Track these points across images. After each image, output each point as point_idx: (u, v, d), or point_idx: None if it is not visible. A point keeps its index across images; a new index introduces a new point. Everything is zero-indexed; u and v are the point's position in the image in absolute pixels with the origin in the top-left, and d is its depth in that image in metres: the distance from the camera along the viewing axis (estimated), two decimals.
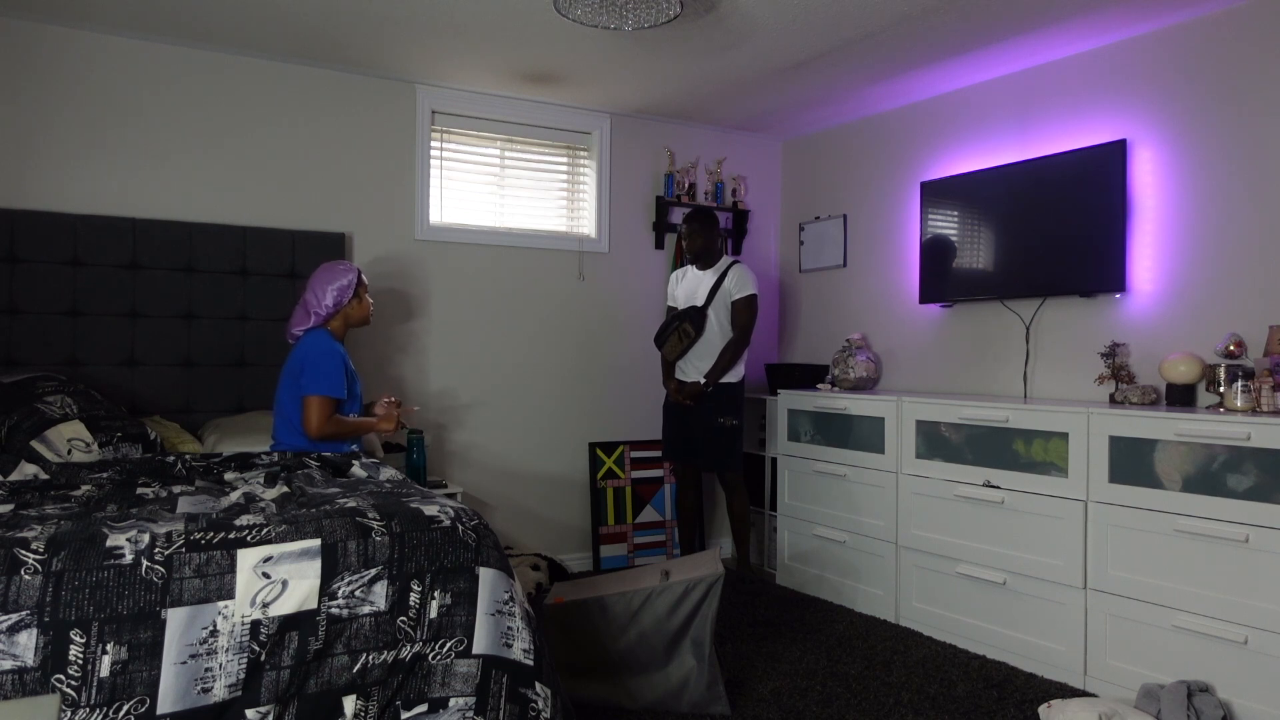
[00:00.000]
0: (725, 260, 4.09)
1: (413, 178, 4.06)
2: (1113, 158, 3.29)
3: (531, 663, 2.00)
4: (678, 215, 4.68)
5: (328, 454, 2.86)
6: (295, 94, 3.81)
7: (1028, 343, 3.68)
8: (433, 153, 4.13)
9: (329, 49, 3.63)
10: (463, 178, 4.23)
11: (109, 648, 1.68)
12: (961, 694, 2.82)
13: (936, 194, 3.99)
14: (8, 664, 1.62)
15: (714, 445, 3.98)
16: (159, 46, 3.54)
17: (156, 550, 1.77)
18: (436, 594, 1.95)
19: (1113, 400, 3.15)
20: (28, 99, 3.33)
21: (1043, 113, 3.66)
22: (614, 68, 3.82)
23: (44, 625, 1.65)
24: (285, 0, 3.13)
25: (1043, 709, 2.57)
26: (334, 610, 1.85)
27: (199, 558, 1.79)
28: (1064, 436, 3.00)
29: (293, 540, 1.87)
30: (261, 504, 2.13)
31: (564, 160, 4.49)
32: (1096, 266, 3.34)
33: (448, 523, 2.04)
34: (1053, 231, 3.49)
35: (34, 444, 2.73)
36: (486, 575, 2.01)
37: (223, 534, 1.85)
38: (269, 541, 1.86)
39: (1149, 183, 3.27)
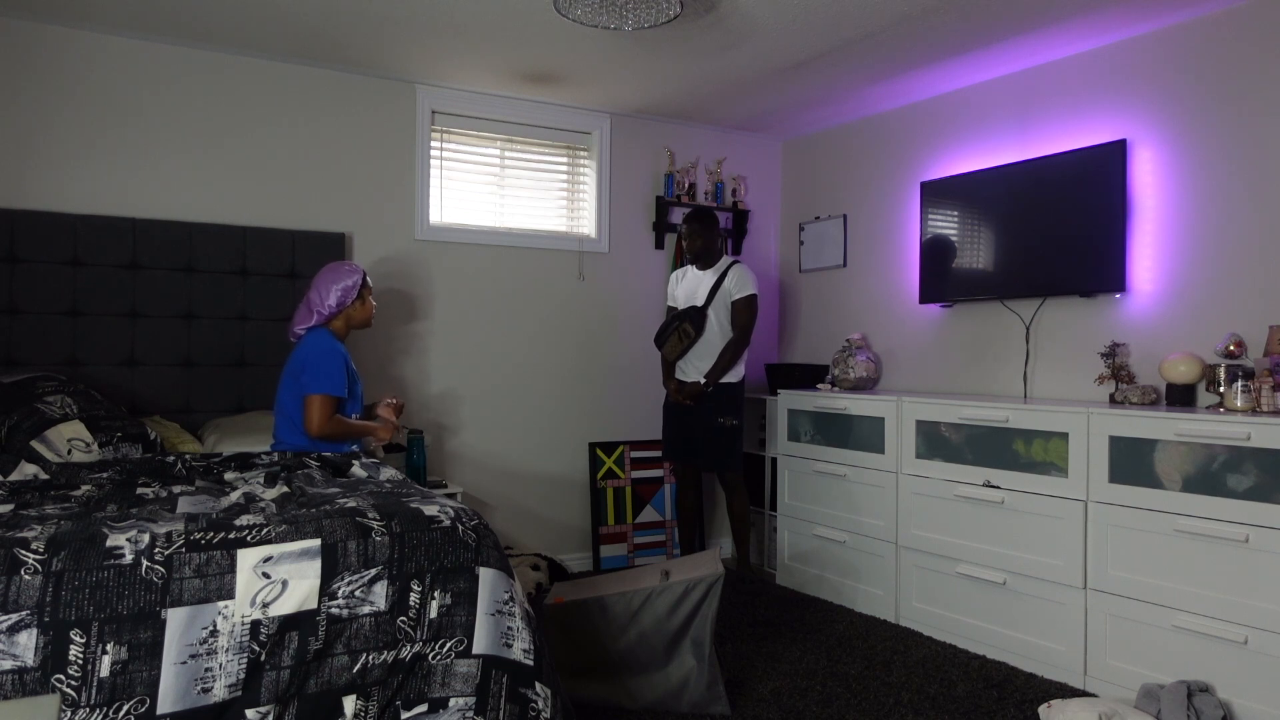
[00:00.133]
0: (725, 260, 4.09)
1: (413, 178, 4.06)
2: (1113, 158, 3.29)
3: (531, 663, 2.00)
4: (678, 215, 4.68)
5: (328, 454, 2.86)
6: (295, 94, 3.81)
7: (1028, 343, 3.68)
8: (433, 153, 4.13)
9: (329, 49, 3.63)
10: (463, 178, 4.23)
11: (109, 648, 1.68)
12: (961, 694, 2.82)
13: (936, 194, 3.99)
14: (8, 664, 1.62)
15: (714, 445, 3.98)
16: (159, 46, 3.54)
17: (156, 550, 1.77)
18: (436, 594, 1.95)
19: (1113, 400, 3.15)
20: (28, 99, 3.33)
21: (1043, 113, 3.66)
22: (614, 68, 3.82)
23: (44, 625, 1.65)
24: (285, 0, 3.13)
25: (1043, 709, 2.57)
26: (334, 610, 1.85)
27: (199, 558, 1.79)
28: (1064, 436, 3.00)
29: (293, 540, 1.87)
30: (261, 504, 2.13)
31: (564, 160, 4.49)
32: (1096, 266, 3.34)
33: (448, 523, 2.04)
34: (1053, 231, 3.49)
35: (34, 444, 2.73)
36: (486, 575, 2.01)
37: (223, 534, 1.85)
38: (269, 541, 1.86)
39: (1149, 183, 3.27)
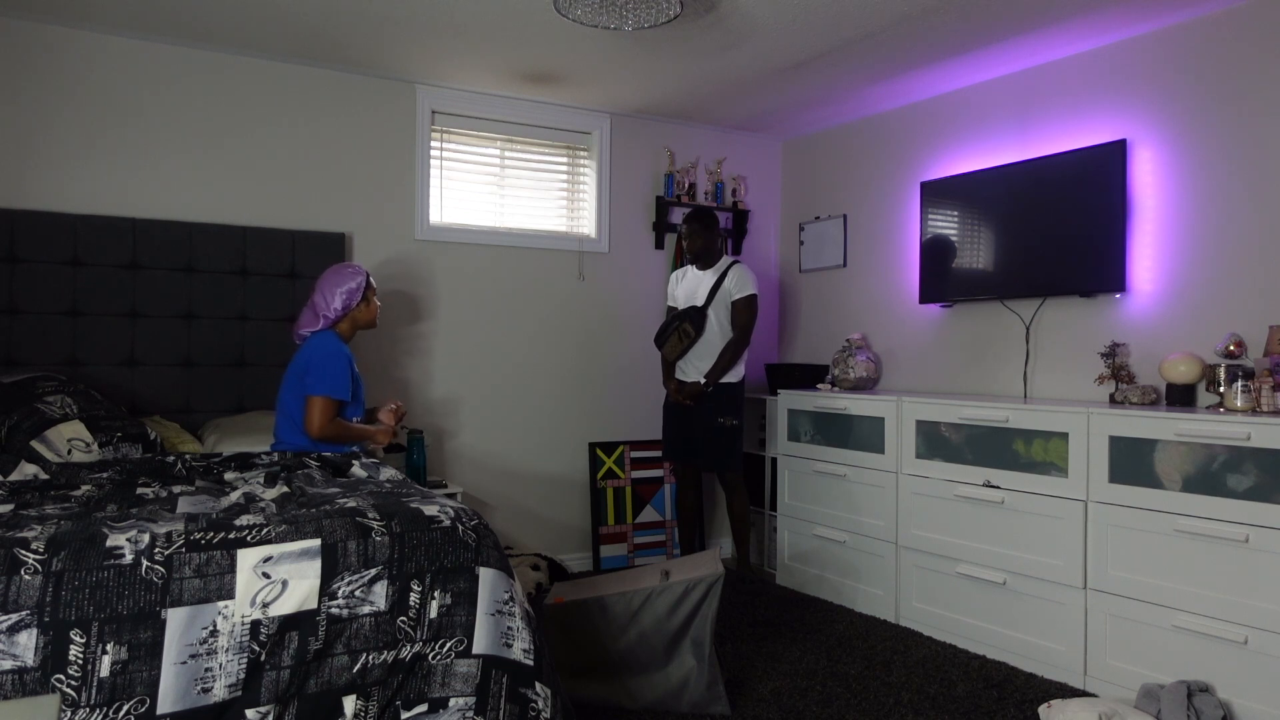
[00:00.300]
0: (725, 260, 4.09)
1: (413, 178, 4.06)
2: (1113, 158, 3.29)
3: (531, 663, 2.00)
4: (678, 215, 4.68)
5: (328, 454, 2.86)
6: (295, 94, 3.81)
7: (1028, 343, 3.68)
8: (433, 153, 4.13)
9: (329, 49, 3.63)
10: (463, 178, 4.23)
11: (109, 648, 1.68)
12: (961, 694, 2.82)
13: (936, 194, 3.99)
14: (8, 664, 1.62)
15: (714, 445, 3.98)
16: (159, 46, 3.54)
17: (156, 550, 1.77)
18: (436, 594, 1.95)
19: (1113, 400, 3.15)
20: (28, 99, 3.33)
21: (1043, 113, 3.66)
22: (614, 68, 3.82)
23: (44, 625, 1.65)
24: (285, 0, 3.13)
25: (1043, 709, 2.57)
26: (334, 610, 1.85)
27: (199, 558, 1.79)
28: (1064, 436, 3.00)
29: (293, 540, 1.87)
30: (261, 504, 2.13)
31: (564, 160, 4.49)
32: (1096, 266, 3.34)
33: (448, 523, 2.04)
34: (1053, 231, 3.49)
35: (34, 444, 2.73)
36: (486, 575, 2.01)
37: (223, 534, 1.85)
38: (269, 541, 1.86)
39: (1149, 183, 3.27)
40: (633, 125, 4.60)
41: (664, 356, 4.12)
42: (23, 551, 1.70)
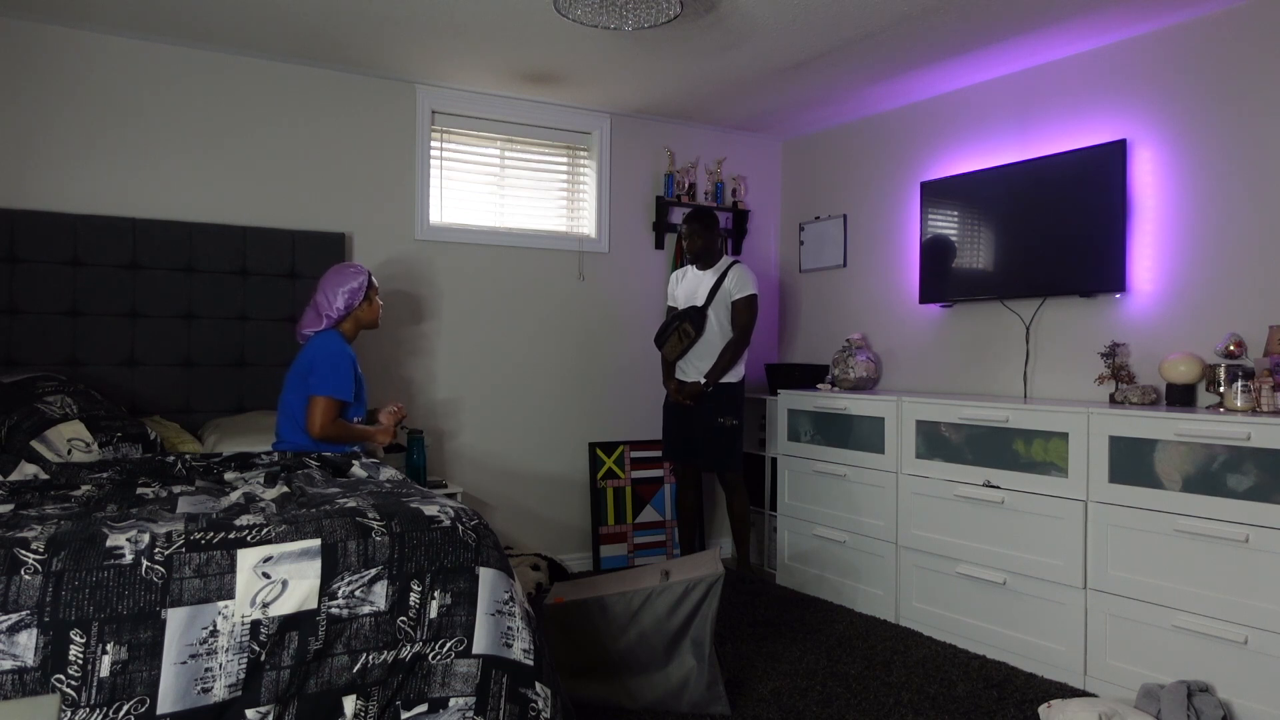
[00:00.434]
0: (725, 260, 4.09)
1: (413, 178, 4.06)
2: (1113, 158, 3.29)
3: (531, 663, 2.00)
4: (678, 215, 4.68)
5: (328, 454, 2.86)
6: (295, 94, 3.81)
7: (1028, 343, 3.68)
8: (433, 153, 4.13)
9: (329, 49, 3.63)
10: (463, 178, 4.23)
11: (109, 648, 1.68)
12: (961, 694, 2.82)
13: (936, 194, 3.99)
14: (8, 664, 1.62)
15: (714, 445, 3.98)
16: (159, 46, 3.54)
17: (156, 550, 1.77)
18: (436, 594, 1.95)
19: (1113, 400, 3.15)
20: (28, 99, 3.33)
21: (1043, 113, 3.66)
22: (614, 68, 3.82)
23: (44, 625, 1.65)
24: (285, 0, 3.13)
25: (1043, 709, 2.57)
26: (334, 610, 1.85)
27: (199, 558, 1.79)
28: (1064, 436, 3.00)
29: (293, 540, 1.87)
30: (261, 504, 2.13)
31: (564, 160, 4.49)
32: (1096, 266, 3.34)
33: (448, 523, 2.04)
34: (1053, 231, 3.49)
35: (34, 444, 2.73)
36: (486, 575, 2.01)
37: (223, 534, 1.85)
38: (269, 541, 1.86)
39: (1149, 183, 3.27)
40: (633, 125, 4.60)
41: (664, 356, 4.12)
42: (23, 551, 1.70)
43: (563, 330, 4.45)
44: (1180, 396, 3.02)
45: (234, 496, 2.23)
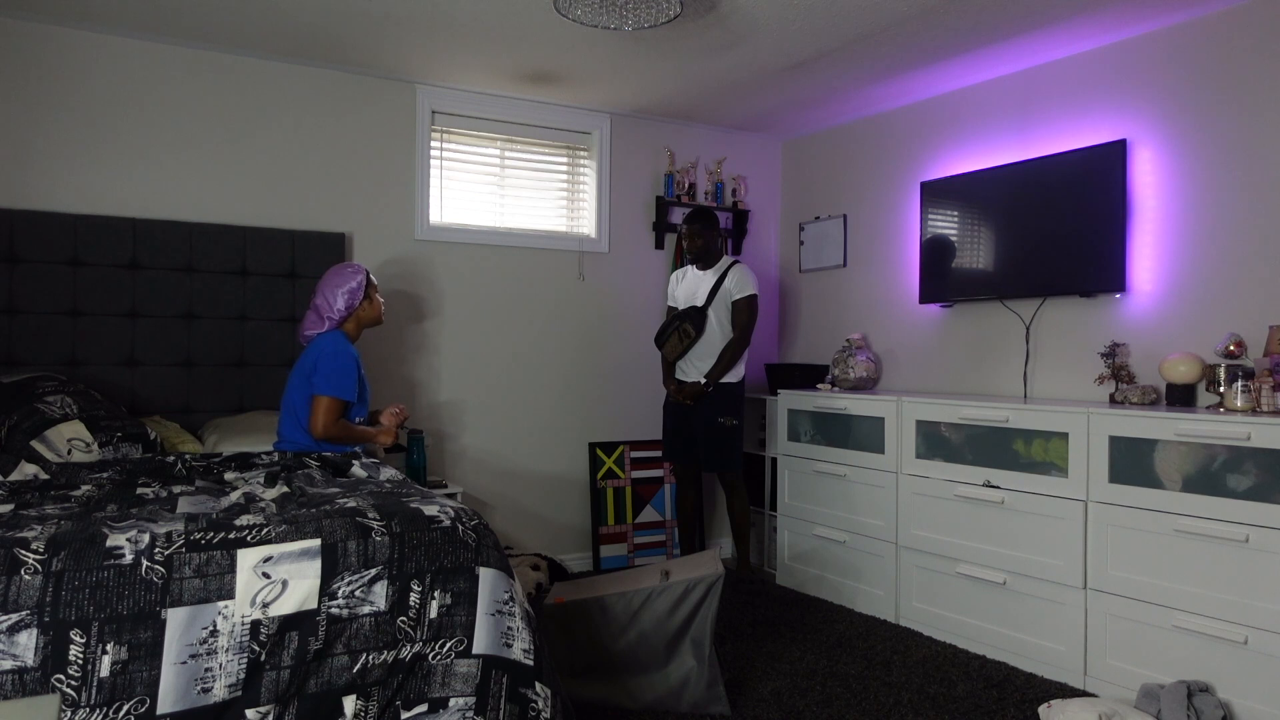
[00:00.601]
0: (725, 260, 4.09)
1: (413, 178, 4.06)
2: (1113, 158, 3.29)
3: (531, 663, 2.00)
4: (678, 215, 4.68)
5: (328, 454, 2.86)
6: (295, 94, 3.81)
7: (1028, 343, 3.68)
8: (433, 153, 4.13)
9: (329, 49, 3.63)
10: (463, 178, 4.23)
11: (109, 648, 1.68)
12: (961, 694, 2.82)
13: (936, 194, 3.99)
14: (8, 664, 1.62)
15: (714, 445, 3.98)
16: (159, 46, 3.54)
17: (156, 550, 1.77)
18: (436, 594, 1.95)
19: (1113, 400, 3.15)
20: (28, 99, 3.33)
21: (1043, 113, 3.66)
22: (614, 68, 3.82)
23: (44, 625, 1.65)
24: (285, 0, 3.13)
25: (1043, 709, 2.57)
26: (334, 610, 1.85)
27: (199, 558, 1.79)
28: (1064, 436, 3.00)
29: (293, 540, 1.87)
30: (261, 504, 2.13)
31: (564, 160, 4.49)
32: (1096, 266, 3.34)
33: (448, 523, 2.04)
34: (1053, 231, 3.49)
35: (34, 444, 2.73)
36: (486, 575, 2.02)
37: (223, 534, 1.85)
38: (269, 541, 1.86)
39: (1149, 183, 3.27)
40: (633, 125, 4.60)
41: (664, 356, 4.12)
42: (23, 551, 1.70)
43: (563, 330, 4.45)
44: (1180, 396, 3.02)
45: (234, 496, 2.23)
